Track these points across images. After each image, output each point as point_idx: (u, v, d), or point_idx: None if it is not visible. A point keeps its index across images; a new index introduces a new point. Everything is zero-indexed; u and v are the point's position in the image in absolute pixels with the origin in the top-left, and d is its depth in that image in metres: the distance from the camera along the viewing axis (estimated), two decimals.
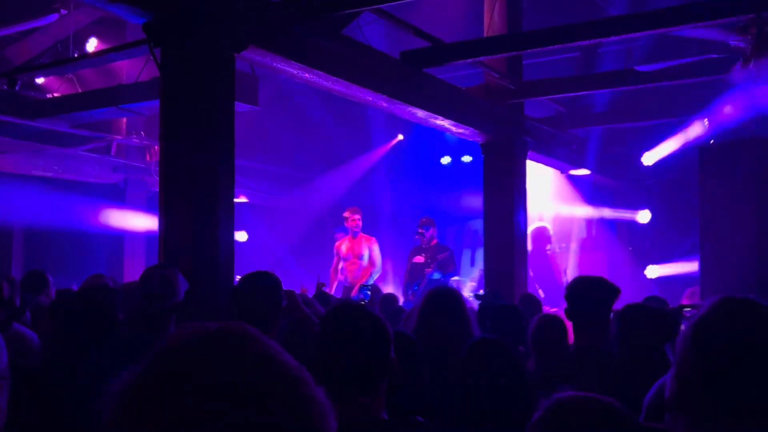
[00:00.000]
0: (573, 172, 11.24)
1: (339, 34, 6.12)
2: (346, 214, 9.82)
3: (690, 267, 9.15)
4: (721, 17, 5.58)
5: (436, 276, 9.48)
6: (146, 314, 3.74)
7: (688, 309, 4.36)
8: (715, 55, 6.12)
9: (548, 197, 12.05)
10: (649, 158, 11.00)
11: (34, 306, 4.75)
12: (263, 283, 3.62)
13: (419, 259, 9.73)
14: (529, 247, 9.99)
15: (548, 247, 11.23)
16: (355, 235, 9.78)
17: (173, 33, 4.75)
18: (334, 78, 6.02)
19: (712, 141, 9.41)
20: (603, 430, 1.47)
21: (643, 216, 11.89)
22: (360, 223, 9.77)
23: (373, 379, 2.11)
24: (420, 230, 9.79)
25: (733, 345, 1.30)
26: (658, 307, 4.28)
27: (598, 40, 6.81)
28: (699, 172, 7.83)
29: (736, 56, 5.78)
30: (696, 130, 9.66)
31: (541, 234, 11.25)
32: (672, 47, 7.68)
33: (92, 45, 9.24)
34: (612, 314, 3.79)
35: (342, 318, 2.19)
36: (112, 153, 10.78)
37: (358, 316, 2.17)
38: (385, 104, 6.91)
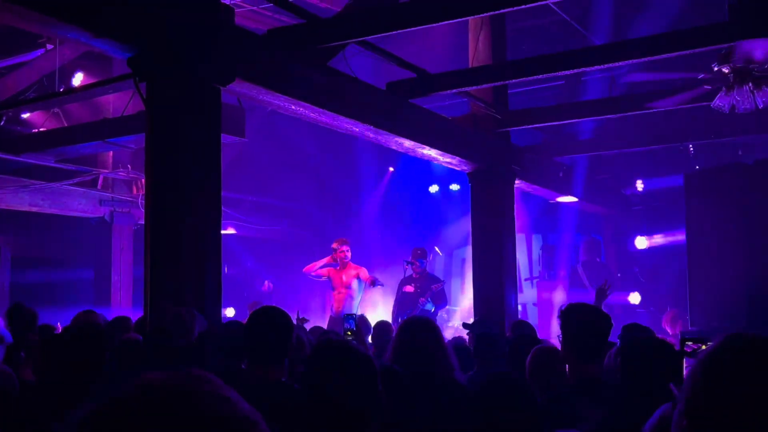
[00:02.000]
0: (560, 199, 11.28)
1: (325, 66, 6.14)
2: (334, 245, 9.80)
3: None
4: (704, 45, 5.65)
5: (429, 306, 9.46)
6: (156, 350, 3.67)
7: (690, 343, 4.34)
8: (707, 87, 6.16)
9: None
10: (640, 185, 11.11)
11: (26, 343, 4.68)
12: (278, 318, 3.57)
13: (409, 288, 9.71)
14: (583, 257, 10.14)
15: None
16: (343, 266, 9.75)
17: (158, 67, 4.75)
18: (321, 110, 6.03)
19: (697, 167, 9.50)
20: None
21: (641, 242, 11.86)
22: (348, 254, 9.75)
23: (363, 421, 2.06)
24: (412, 260, 9.79)
25: (745, 383, 1.29)
26: (661, 340, 4.27)
27: (580, 69, 6.88)
28: (685, 198, 7.89)
29: (719, 85, 5.84)
30: None
31: (594, 244, 11.65)
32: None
33: (78, 79, 9.24)
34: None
35: (328, 364, 2.15)
36: (99, 186, 10.74)
37: (344, 363, 2.13)
38: (371, 135, 6.93)
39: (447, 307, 10.60)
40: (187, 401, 0.86)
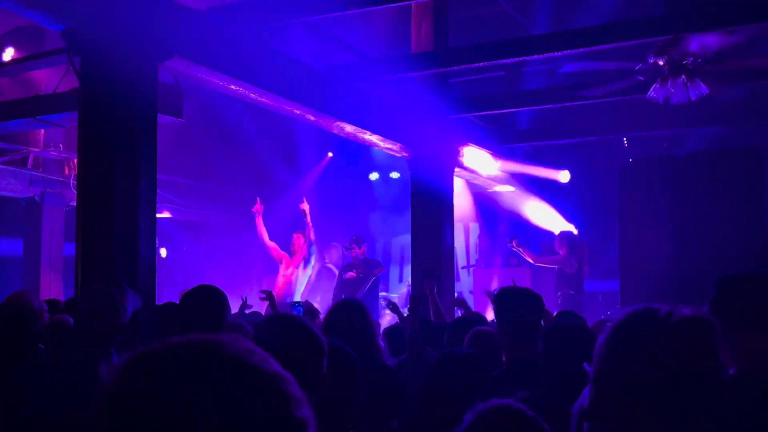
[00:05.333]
0: (497, 188, 11.42)
1: (267, 46, 6.06)
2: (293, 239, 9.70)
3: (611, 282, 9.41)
4: (640, 38, 5.78)
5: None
6: (90, 333, 3.57)
7: (609, 323, 4.46)
8: (640, 78, 6.32)
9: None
10: (565, 176, 11.30)
11: None
12: (212, 297, 3.51)
13: (351, 275, 9.69)
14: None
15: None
16: (292, 256, 9.67)
17: (93, 41, 4.61)
18: (261, 90, 5.96)
19: (630, 159, 9.73)
20: None
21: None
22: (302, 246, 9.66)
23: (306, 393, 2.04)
24: (350, 246, 9.76)
25: (645, 351, 1.35)
26: (576, 324, 4.37)
27: (519, 58, 6.96)
28: (619, 190, 8.07)
29: (654, 76, 5.99)
30: None
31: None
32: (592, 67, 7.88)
33: (9, 54, 8.90)
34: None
35: (275, 330, 2.12)
36: (29, 166, 10.39)
37: (291, 329, 2.11)
38: (313, 117, 6.88)
39: (385, 293, 10.64)
40: (225, 353, 0.87)
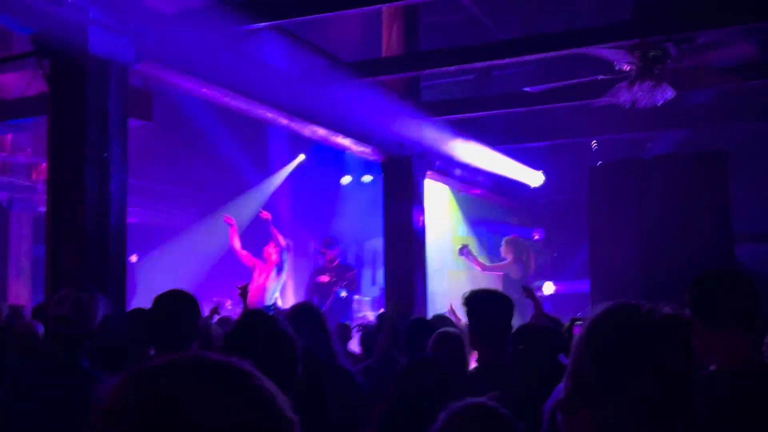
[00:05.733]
0: (471, 192, 11.50)
1: (238, 50, 6.04)
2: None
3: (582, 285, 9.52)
4: (607, 41, 5.87)
5: (343, 294, 9.48)
6: (59, 339, 3.52)
7: (580, 322, 4.52)
8: (602, 77, 6.41)
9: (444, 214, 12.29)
10: (537, 179, 11.41)
11: None
12: (182, 302, 3.50)
13: (324, 278, 9.70)
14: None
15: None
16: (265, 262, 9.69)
17: (63, 44, 4.57)
18: (233, 94, 5.95)
19: (599, 162, 9.85)
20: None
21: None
22: (274, 255, 9.64)
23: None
24: (323, 249, 9.77)
25: (621, 342, 1.39)
26: (545, 325, 4.43)
27: (489, 62, 7.02)
28: (588, 192, 8.17)
29: (622, 78, 6.07)
30: None
31: None
32: (561, 70, 7.98)
33: None
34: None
35: (250, 330, 2.12)
36: None
37: (267, 330, 2.10)
38: (285, 121, 6.87)
39: (358, 296, 10.65)
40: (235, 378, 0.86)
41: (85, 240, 4.58)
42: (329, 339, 3.62)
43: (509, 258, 10.21)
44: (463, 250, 10.30)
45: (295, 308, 3.79)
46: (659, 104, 6.04)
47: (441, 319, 6.59)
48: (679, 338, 1.39)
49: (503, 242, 10.54)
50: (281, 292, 10.01)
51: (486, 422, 1.64)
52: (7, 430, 3.11)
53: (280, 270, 9.42)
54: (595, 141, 10.62)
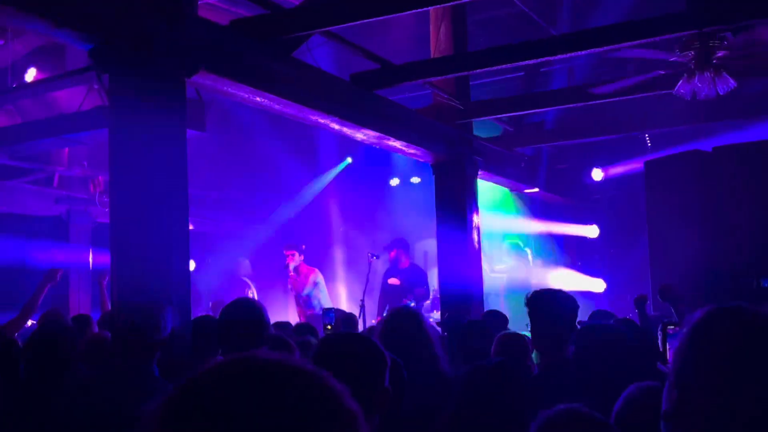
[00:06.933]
0: (525, 190, 11.41)
1: (289, 57, 6.07)
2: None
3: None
4: (663, 33, 5.72)
5: (412, 304, 9.56)
6: (127, 347, 3.57)
7: (672, 327, 4.45)
8: (660, 72, 6.26)
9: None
10: (597, 174, 11.27)
11: None
12: (251, 311, 3.51)
13: (394, 281, 9.81)
14: None
15: None
16: (297, 273, 9.92)
17: (121, 58, 4.64)
18: (286, 101, 5.96)
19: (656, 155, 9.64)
20: None
21: (592, 231, 12.08)
22: (294, 258, 9.87)
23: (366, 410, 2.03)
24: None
25: (733, 352, 1.33)
26: (604, 324, 4.34)
27: (540, 59, 6.92)
28: (645, 186, 8.00)
29: (680, 71, 5.92)
30: None
31: None
32: (613, 65, 7.84)
33: (31, 75, 9.00)
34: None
35: (338, 346, 2.10)
36: (54, 185, 10.48)
37: (355, 344, 2.08)
38: (337, 126, 6.87)
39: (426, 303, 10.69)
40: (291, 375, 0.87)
41: (149, 249, 4.63)
42: (429, 340, 3.59)
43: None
44: None
45: (391, 314, 3.75)
46: (721, 95, 5.87)
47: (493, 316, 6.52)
48: None
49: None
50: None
51: (586, 428, 1.59)
52: None
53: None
54: (647, 135, 10.40)
